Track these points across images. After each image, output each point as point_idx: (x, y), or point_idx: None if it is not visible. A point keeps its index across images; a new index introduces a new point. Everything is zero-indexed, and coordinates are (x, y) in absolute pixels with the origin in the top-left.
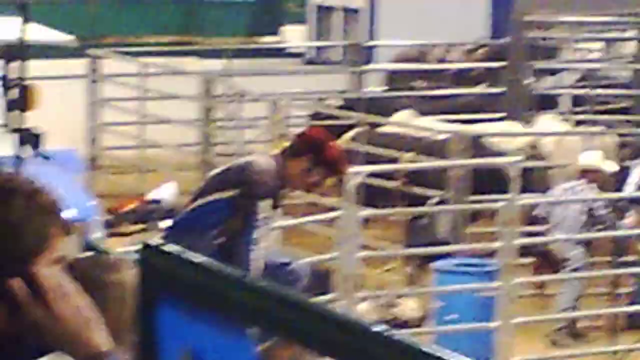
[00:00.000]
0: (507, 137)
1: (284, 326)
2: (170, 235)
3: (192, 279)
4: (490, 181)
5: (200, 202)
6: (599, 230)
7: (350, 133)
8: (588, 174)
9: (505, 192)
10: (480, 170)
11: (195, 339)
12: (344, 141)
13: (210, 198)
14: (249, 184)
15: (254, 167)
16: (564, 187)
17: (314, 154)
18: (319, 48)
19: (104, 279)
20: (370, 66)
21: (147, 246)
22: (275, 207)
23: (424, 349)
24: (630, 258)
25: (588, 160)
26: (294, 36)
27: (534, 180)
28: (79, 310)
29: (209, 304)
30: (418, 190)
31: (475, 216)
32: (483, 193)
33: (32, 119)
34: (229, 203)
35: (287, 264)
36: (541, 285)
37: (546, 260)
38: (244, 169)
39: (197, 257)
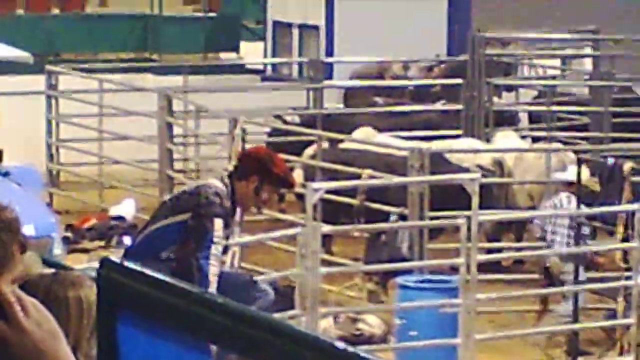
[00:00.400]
0: (469, 153)
1: (245, 343)
2: (127, 260)
3: (152, 295)
4: (456, 197)
5: (153, 227)
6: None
7: (310, 150)
8: (572, 187)
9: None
10: (445, 187)
11: (155, 356)
12: (303, 158)
13: (163, 223)
14: (201, 206)
15: (206, 190)
16: (548, 204)
17: (261, 173)
18: (276, 64)
19: (64, 296)
20: (329, 82)
21: (106, 262)
22: (227, 227)
23: None
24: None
25: (573, 174)
26: (252, 52)
27: (498, 196)
28: (41, 324)
29: (169, 320)
30: (378, 206)
31: (437, 232)
32: (449, 210)
33: None
34: (182, 226)
35: (254, 282)
36: (544, 301)
37: (546, 276)
38: (196, 192)
39: (157, 274)
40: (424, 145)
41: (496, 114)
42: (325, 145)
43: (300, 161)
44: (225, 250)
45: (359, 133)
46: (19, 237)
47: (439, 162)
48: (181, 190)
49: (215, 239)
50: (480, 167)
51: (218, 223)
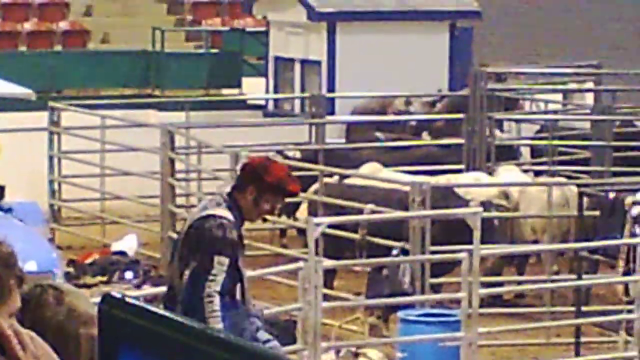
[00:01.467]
0: (475, 187)
1: None
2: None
3: (153, 330)
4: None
5: (186, 275)
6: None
7: (315, 186)
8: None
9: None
10: (451, 221)
11: None
12: (308, 194)
13: (188, 270)
14: (202, 243)
15: (210, 223)
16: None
17: (256, 182)
18: (278, 100)
19: (76, 332)
20: (330, 118)
21: (107, 298)
22: (236, 255)
23: None
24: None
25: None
26: (253, 88)
27: (503, 229)
28: (38, 357)
29: (170, 354)
30: (380, 241)
31: (448, 268)
32: (456, 244)
33: None
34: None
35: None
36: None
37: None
38: (201, 226)
39: (157, 308)
40: (430, 180)
41: (498, 148)
42: (331, 180)
43: (303, 197)
44: (241, 279)
45: (365, 168)
46: (15, 271)
47: (448, 197)
48: (187, 226)
49: (210, 277)
50: (489, 203)
51: (218, 260)
